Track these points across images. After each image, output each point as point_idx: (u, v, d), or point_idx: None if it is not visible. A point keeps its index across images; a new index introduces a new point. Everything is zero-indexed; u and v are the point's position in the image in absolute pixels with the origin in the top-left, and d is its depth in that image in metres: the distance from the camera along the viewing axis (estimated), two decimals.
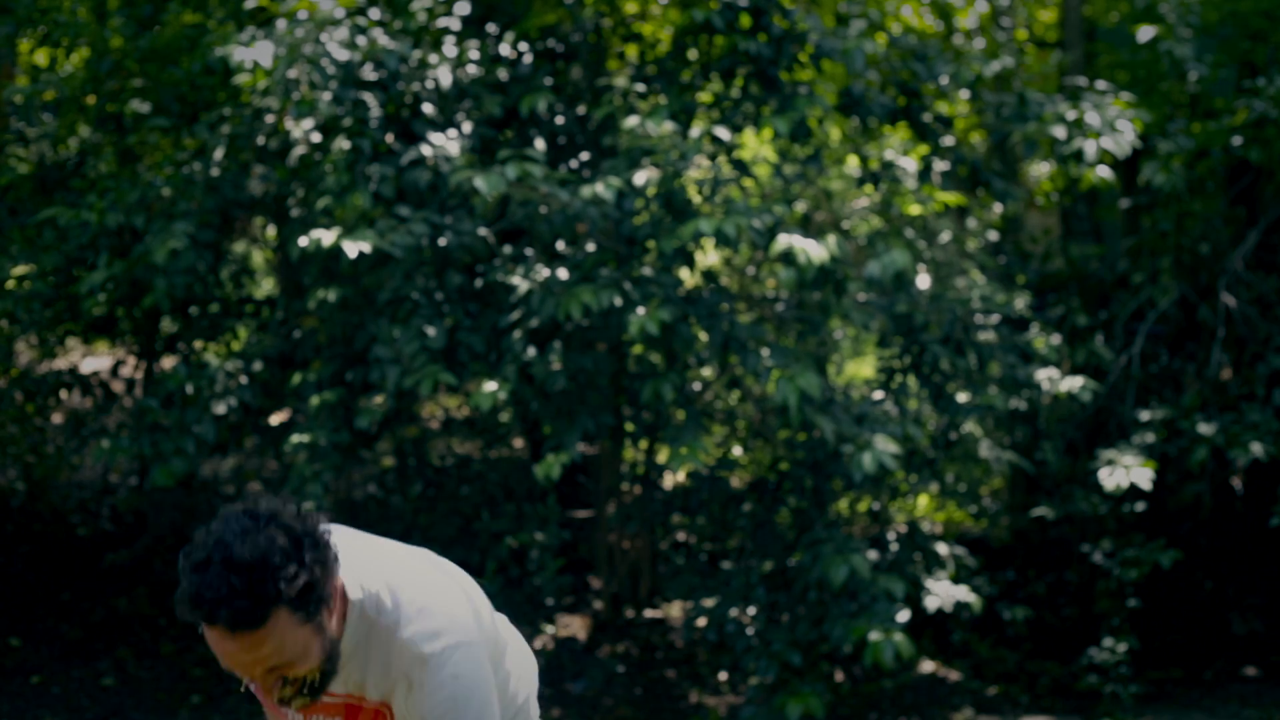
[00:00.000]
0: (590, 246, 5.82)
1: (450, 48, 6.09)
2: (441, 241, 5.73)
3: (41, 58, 7.63)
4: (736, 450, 6.90)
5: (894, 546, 6.23)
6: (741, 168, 6.13)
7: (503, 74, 6.32)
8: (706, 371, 6.30)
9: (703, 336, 5.75)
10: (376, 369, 5.64)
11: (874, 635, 5.33)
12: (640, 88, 6.22)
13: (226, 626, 2.01)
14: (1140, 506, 6.70)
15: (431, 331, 5.58)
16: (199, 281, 6.22)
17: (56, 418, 8.03)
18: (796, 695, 5.46)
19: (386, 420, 6.24)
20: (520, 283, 5.64)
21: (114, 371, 7.20)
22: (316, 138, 5.86)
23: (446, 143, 5.78)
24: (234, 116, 6.09)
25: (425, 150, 5.73)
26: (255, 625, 2.02)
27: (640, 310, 5.41)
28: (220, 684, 6.55)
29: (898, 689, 6.65)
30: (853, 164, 6.78)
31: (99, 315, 6.87)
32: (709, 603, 6.00)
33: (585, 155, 6.45)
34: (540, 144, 6.20)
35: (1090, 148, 6.30)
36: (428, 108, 5.96)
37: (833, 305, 5.96)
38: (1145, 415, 6.93)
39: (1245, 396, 6.99)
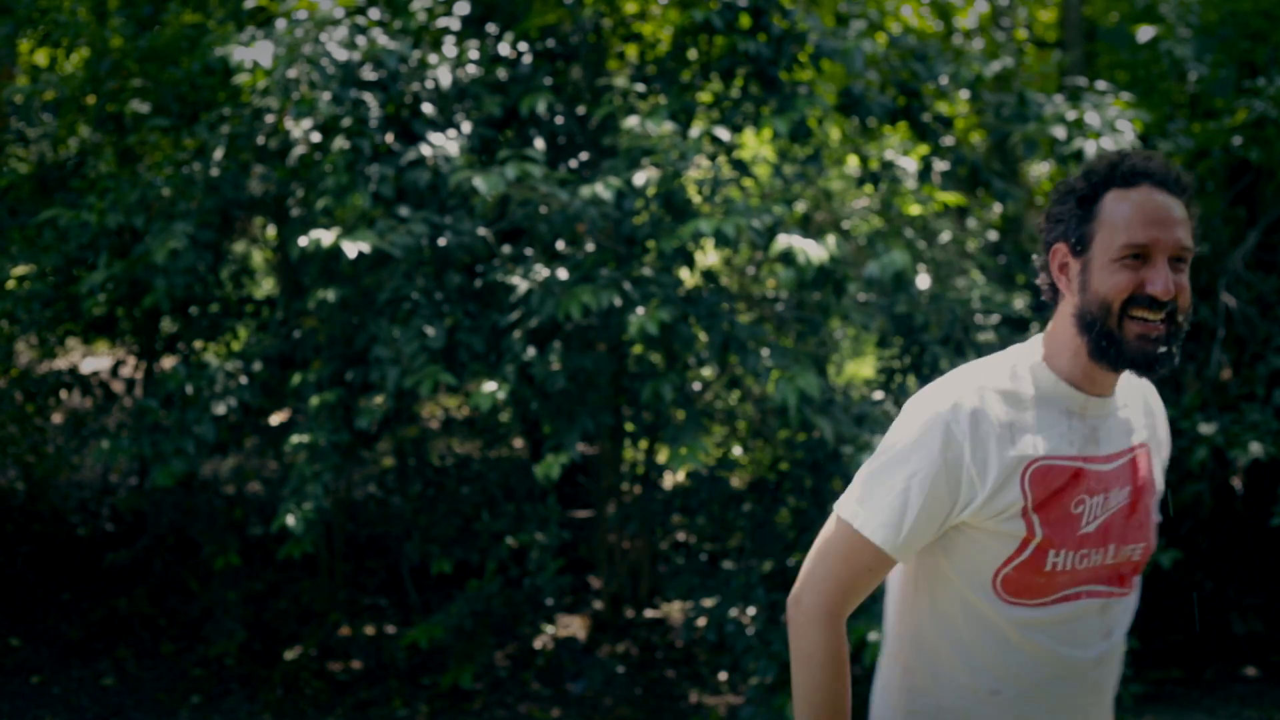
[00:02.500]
0: (590, 246, 5.82)
1: (450, 48, 6.10)
2: (441, 241, 5.73)
3: (41, 58, 7.63)
4: (736, 450, 6.91)
5: None
6: (741, 168, 6.13)
7: (502, 74, 6.32)
8: (706, 371, 6.30)
9: (702, 336, 5.75)
10: (376, 369, 5.64)
11: (873, 635, 5.32)
12: (640, 88, 6.22)
13: (1160, 182, 2.18)
14: None
15: (431, 331, 5.58)
16: (199, 281, 6.22)
17: (56, 418, 8.03)
18: None
19: (386, 420, 6.24)
20: (520, 283, 5.64)
21: (114, 371, 7.20)
22: (316, 138, 5.86)
23: (446, 143, 5.78)
24: (234, 116, 6.10)
25: (425, 150, 5.73)
26: (1181, 191, 2.19)
27: (640, 310, 5.41)
28: (220, 684, 6.55)
29: None
30: (853, 164, 6.79)
31: (99, 315, 6.87)
32: (709, 603, 6.00)
33: (585, 155, 6.45)
34: (540, 144, 6.20)
35: (1090, 148, 6.30)
36: (427, 108, 5.96)
37: (832, 305, 5.96)
38: None
39: (1245, 396, 6.99)
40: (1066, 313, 2.22)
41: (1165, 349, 2.16)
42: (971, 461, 2.15)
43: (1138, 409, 2.33)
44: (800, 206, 6.37)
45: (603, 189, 5.52)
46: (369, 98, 5.83)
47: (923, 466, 2.16)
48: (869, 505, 2.20)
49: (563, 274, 5.64)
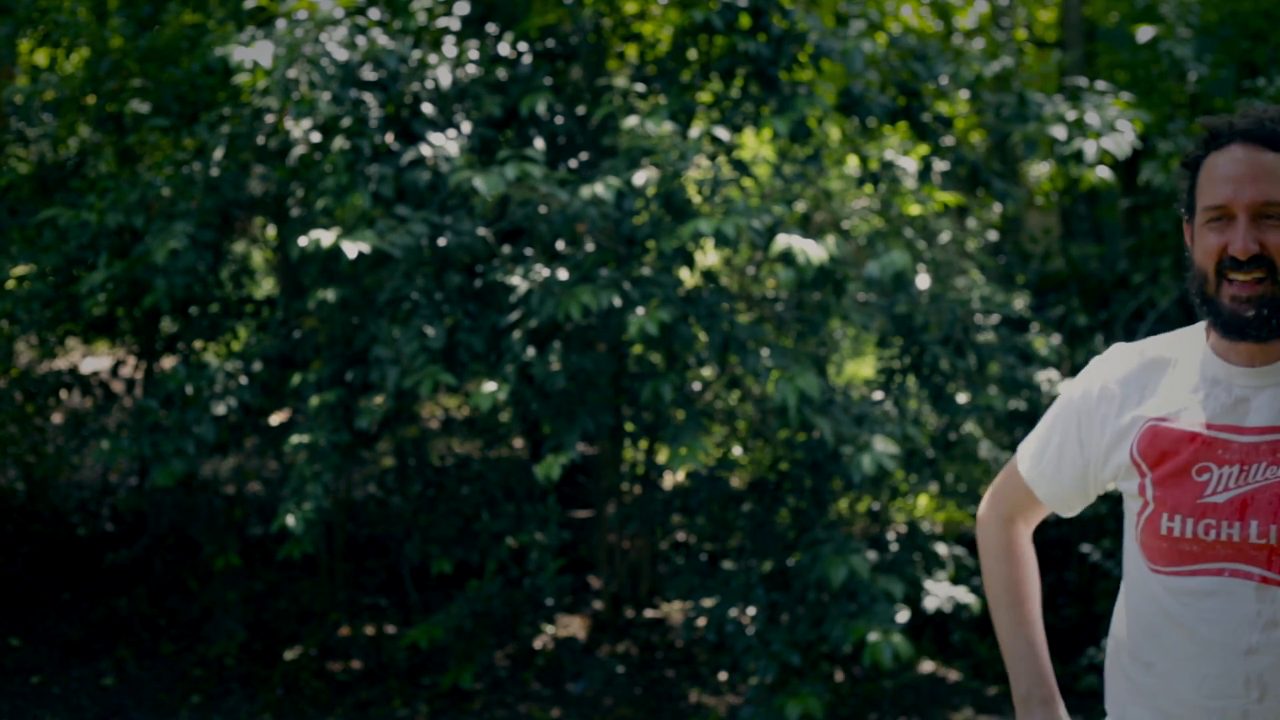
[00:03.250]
0: (590, 246, 5.82)
1: (450, 48, 6.09)
2: (441, 241, 5.73)
3: (41, 58, 7.63)
4: (736, 450, 6.91)
5: (894, 547, 6.23)
6: (741, 168, 6.13)
7: (502, 74, 6.32)
8: (706, 371, 6.30)
9: (702, 336, 5.75)
10: (376, 369, 5.64)
11: (873, 636, 5.33)
12: (640, 88, 6.22)
13: (1249, 137, 2.12)
14: None
15: (431, 331, 5.58)
16: (199, 281, 6.22)
17: (56, 418, 8.03)
18: (796, 695, 5.46)
19: (386, 420, 6.24)
20: (520, 283, 5.64)
21: (114, 371, 7.20)
22: (316, 138, 5.86)
23: (446, 143, 5.78)
24: (234, 116, 6.10)
25: (425, 150, 5.73)
26: (1272, 145, 2.11)
27: (640, 310, 5.41)
28: (220, 684, 6.55)
29: (897, 689, 6.65)
30: (852, 164, 6.79)
31: (99, 315, 6.87)
32: (709, 603, 6.00)
33: (585, 155, 6.45)
34: (540, 144, 6.20)
35: (1090, 148, 6.30)
36: (427, 108, 5.96)
37: (832, 305, 5.96)
38: None
39: None
40: None
41: (1255, 312, 2.11)
42: (1098, 415, 2.29)
43: None
44: (800, 206, 6.37)
45: (603, 189, 5.52)
46: (369, 98, 5.83)
47: (1064, 411, 2.36)
48: (1028, 437, 2.45)
49: (563, 274, 5.64)
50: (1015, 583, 2.46)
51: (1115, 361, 2.32)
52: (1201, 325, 2.29)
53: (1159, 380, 2.25)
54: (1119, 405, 2.26)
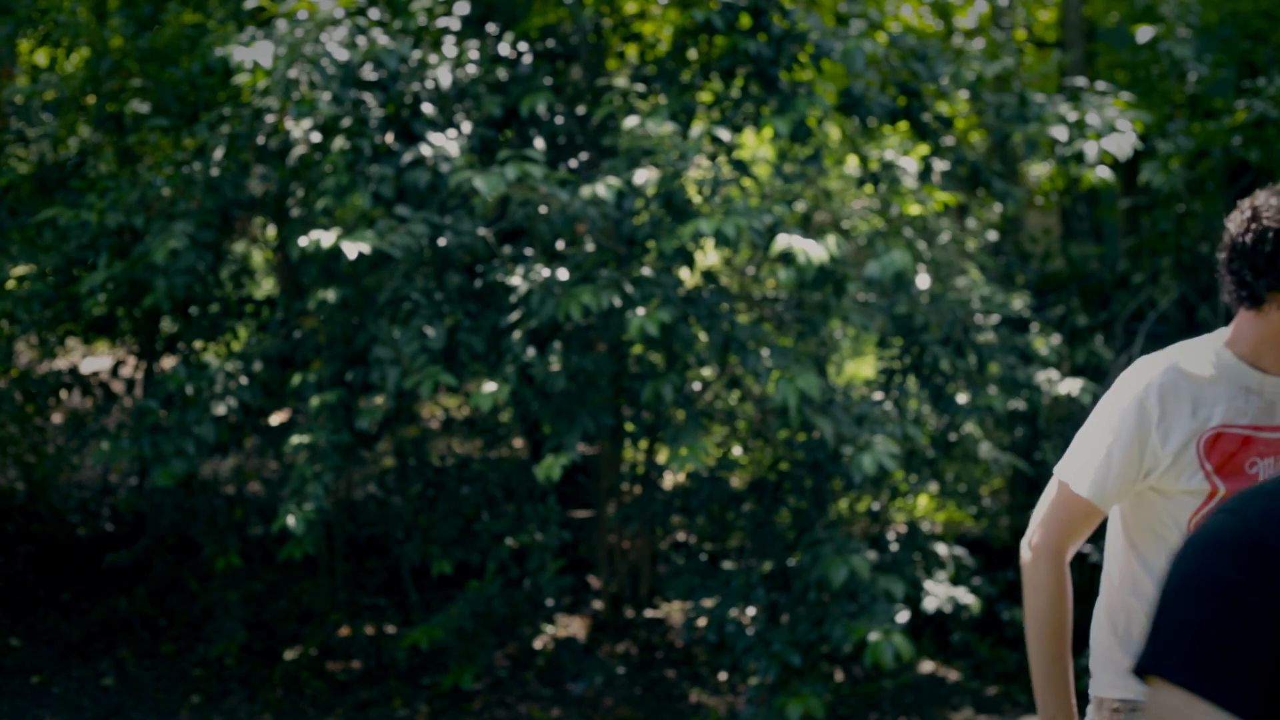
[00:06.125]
0: (590, 247, 5.82)
1: (450, 48, 6.09)
2: (441, 242, 5.73)
3: (41, 58, 7.63)
4: (736, 450, 6.91)
5: (894, 547, 6.23)
6: (741, 168, 6.13)
7: (502, 74, 6.32)
8: (706, 372, 6.30)
9: (703, 337, 5.75)
10: (376, 369, 5.64)
11: (873, 636, 5.33)
12: (640, 88, 6.22)
13: None
14: None
15: (431, 332, 5.58)
16: (199, 281, 6.22)
17: (56, 418, 8.03)
18: (796, 695, 5.46)
19: (386, 420, 6.24)
20: (520, 283, 5.64)
21: (114, 371, 7.20)
22: (316, 138, 5.86)
23: (446, 143, 5.78)
24: (234, 116, 6.09)
25: (425, 150, 5.73)
26: None
27: (640, 310, 5.41)
28: (220, 684, 6.55)
29: (898, 689, 6.65)
30: (853, 164, 6.79)
31: (99, 315, 6.86)
32: (709, 603, 6.00)
33: (585, 155, 6.45)
34: (540, 144, 6.19)
35: (1091, 149, 6.30)
36: (427, 108, 5.96)
37: (832, 305, 5.96)
38: None
39: None
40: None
41: None
42: (1157, 433, 2.61)
43: None
44: (800, 206, 6.38)
45: (603, 189, 5.52)
46: (369, 98, 5.83)
47: (1120, 435, 2.63)
48: (1082, 467, 2.68)
49: (563, 274, 5.64)
50: (1062, 625, 2.69)
51: (1158, 378, 2.63)
52: (1213, 337, 2.66)
53: (1206, 391, 2.63)
54: (1179, 417, 2.61)
